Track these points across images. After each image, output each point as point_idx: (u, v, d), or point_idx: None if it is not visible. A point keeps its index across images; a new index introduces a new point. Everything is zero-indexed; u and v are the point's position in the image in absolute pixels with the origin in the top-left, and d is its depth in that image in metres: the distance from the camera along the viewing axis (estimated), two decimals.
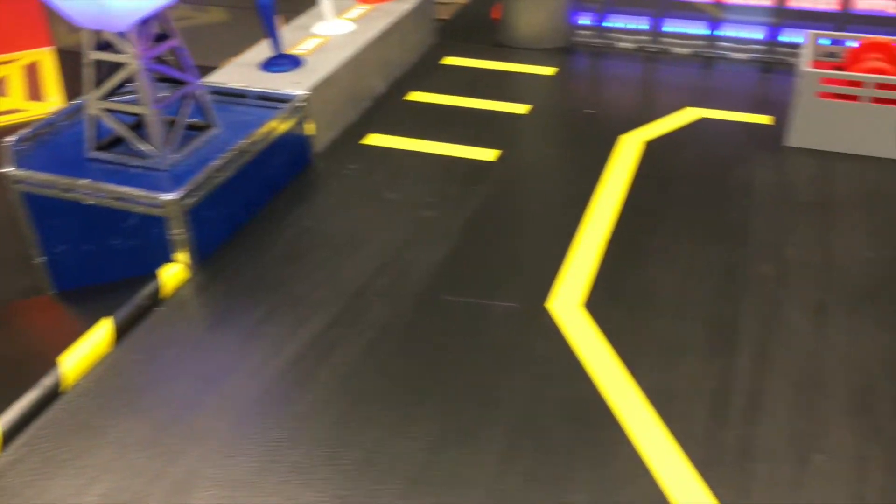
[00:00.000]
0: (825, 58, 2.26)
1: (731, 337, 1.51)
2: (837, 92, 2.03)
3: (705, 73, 2.60)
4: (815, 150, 2.08)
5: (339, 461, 1.29)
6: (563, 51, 2.77)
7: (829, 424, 1.31)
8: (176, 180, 1.70)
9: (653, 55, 2.72)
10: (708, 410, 1.35)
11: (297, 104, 2.02)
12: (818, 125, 2.06)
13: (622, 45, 2.79)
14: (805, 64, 2.06)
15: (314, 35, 2.40)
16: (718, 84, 2.53)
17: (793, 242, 1.76)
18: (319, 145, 2.16)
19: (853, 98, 2.01)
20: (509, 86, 2.55)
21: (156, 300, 1.64)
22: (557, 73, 2.61)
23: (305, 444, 1.32)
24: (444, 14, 3.14)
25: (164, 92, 1.82)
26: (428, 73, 2.63)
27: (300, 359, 1.49)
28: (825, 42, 2.29)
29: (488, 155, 2.13)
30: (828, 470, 1.23)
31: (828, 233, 1.78)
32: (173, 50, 1.81)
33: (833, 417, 1.33)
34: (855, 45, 2.19)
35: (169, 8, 1.73)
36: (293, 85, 2.08)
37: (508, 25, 2.84)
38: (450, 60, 2.72)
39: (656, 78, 2.62)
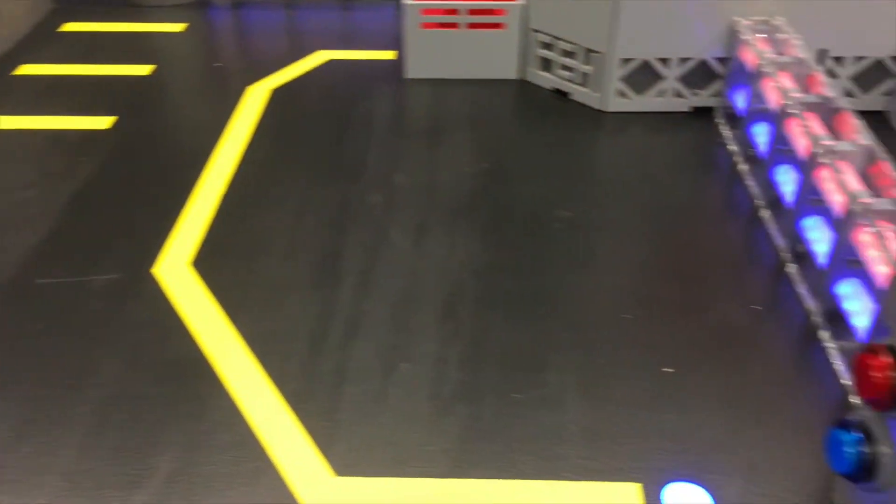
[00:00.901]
0: None
1: (337, 270, 1.54)
2: (440, 21, 2.14)
3: (341, 16, 2.62)
4: (431, 79, 2.19)
5: None
6: (197, 5, 2.66)
7: (418, 334, 1.39)
8: None
9: (290, 2, 2.70)
10: (306, 345, 1.37)
11: None
12: (428, 55, 2.16)
13: None
14: None
15: None
16: (351, 25, 2.57)
17: (403, 169, 1.84)
18: None
19: (454, 26, 2.13)
20: (133, 47, 2.40)
21: None
22: (187, 29, 2.50)
23: None
24: None
25: None
26: (43, 43, 2.41)
27: None
28: None
29: (102, 123, 1.99)
30: (411, 376, 1.31)
31: (435, 155, 1.88)
32: None
33: (422, 327, 1.41)
34: None
35: None
36: None
37: None
38: (71, 26, 2.50)
39: (291, 25, 2.60)
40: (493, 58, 2.13)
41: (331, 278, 1.52)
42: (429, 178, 1.80)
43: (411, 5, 2.09)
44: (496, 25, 2.10)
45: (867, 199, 1.23)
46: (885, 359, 0.90)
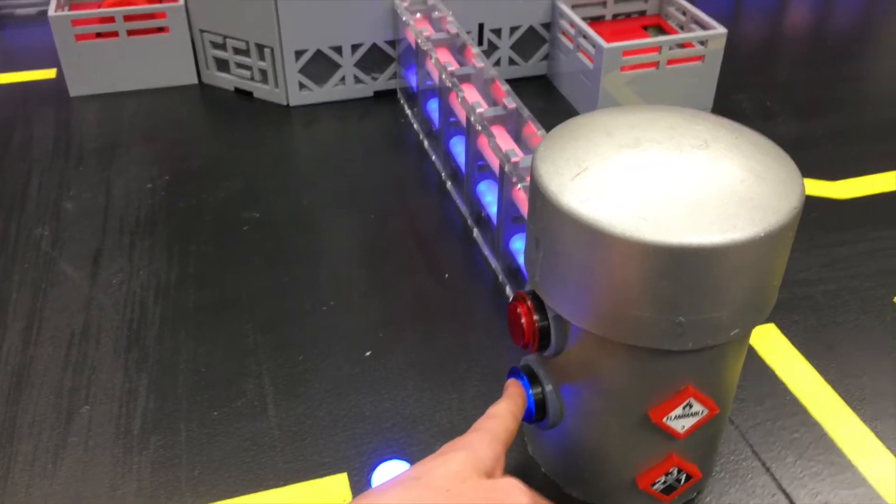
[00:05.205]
0: None
1: (2, 318, 1.38)
2: (97, 31, 1.98)
3: None
4: (100, 95, 2.03)
5: None
6: None
7: (100, 371, 1.28)
8: None
9: None
10: None
11: None
12: (91, 69, 1.99)
13: None
14: (52, 9, 1.95)
15: None
16: (2, 46, 2.31)
17: (72, 195, 1.68)
18: None
19: (114, 35, 1.98)
20: None
21: None
22: None
23: None
24: None
25: None
26: None
27: None
28: None
29: None
30: (93, 417, 1.19)
31: (110, 175, 1.74)
32: None
33: (105, 362, 1.29)
34: None
35: None
36: None
37: None
38: None
39: None
40: (164, 64, 2.02)
41: None
42: (104, 200, 1.66)
43: (58, 17, 1.91)
44: (160, 30, 1.98)
45: (516, 158, 1.31)
46: (525, 304, 0.95)
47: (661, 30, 2.10)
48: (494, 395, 1.22)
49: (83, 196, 1.67)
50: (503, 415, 0.91)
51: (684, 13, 2.04)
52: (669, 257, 0.81)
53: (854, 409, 1.22)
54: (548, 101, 2.05)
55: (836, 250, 1.54)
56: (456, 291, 1.45)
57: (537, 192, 0.90)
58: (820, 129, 1.94)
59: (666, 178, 0.86)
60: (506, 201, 1.38)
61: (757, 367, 1.29)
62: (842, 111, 2.04)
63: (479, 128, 1.44)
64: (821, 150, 1.86)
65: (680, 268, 0.82)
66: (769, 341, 1.34)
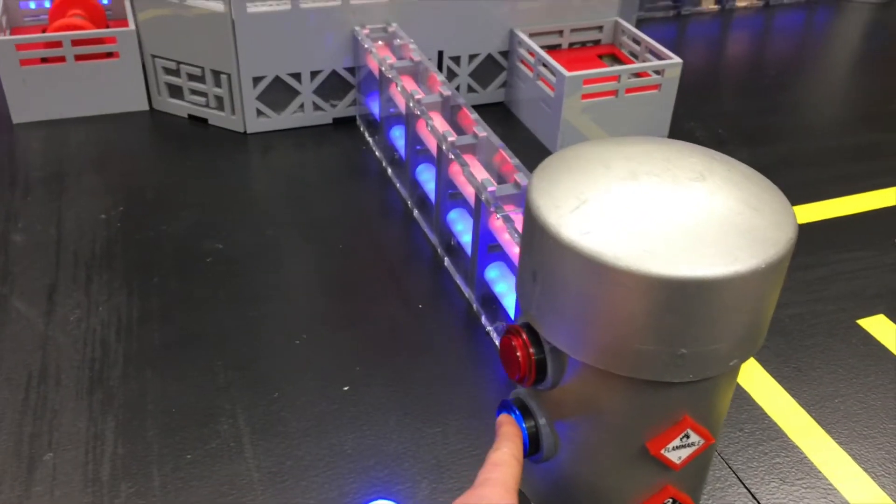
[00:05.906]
0: (35, 21, 2.11)
1: None
2: (42, 56, 1.90)
3: None
4: (46, 121, 1.94)
5: None
6: None
7: (62, 414, 1.21)
8: None
9: None
10: None
11: None
12: (36, 95, 1.91)
13: None
14: None
15: None
16: None
17: (20, 227, 1.60)
18: None
19: (61, 60, 1.91)
20: None
21: None
22: None
23: None
24: None
25: None
26: None
27: None
28: (32, 5, 2.13)
29: None
30: (58, 464, 1.13)
31: (61, 206, 1.67)
32: None
33: (66, 405, 1.22)
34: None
35: None
36: None
37: None
38: None
39: None
40: (114, 90, 1.95)
41: None
42: (55, 233, 1.58)
43: (1, 41, 1.82)
44: (110, 55, 1.92)
45: (492, 188, 1.31)
46: (521, 337, 0.94)
47: (616, 59, 2.14)
48: (478, 428, 1.21)
49: (33, 228, 1.59)
50: (508, 461, 0.88)
51: (638, 43, 2.08)
52: (674, 290, 0.81)
53: (829, 431, 1.25)
54: (506, 128, 2.06)
55: (797, 274, 1.58)
56: (430, 321, 1.43)
57: (535, 225, 0.89)
58: (771, 156, 2.00)
59: (666, 210, 0.86)
60: (482, 230, 1.37)
61: (733, 392, 1.31)
62: (789, 138, 2.11)
63: (452, 156, 1.44)
64: (773, 176, 1.89)
65: (684, 300, 0.82)
66: (743, 366, 1.36)
